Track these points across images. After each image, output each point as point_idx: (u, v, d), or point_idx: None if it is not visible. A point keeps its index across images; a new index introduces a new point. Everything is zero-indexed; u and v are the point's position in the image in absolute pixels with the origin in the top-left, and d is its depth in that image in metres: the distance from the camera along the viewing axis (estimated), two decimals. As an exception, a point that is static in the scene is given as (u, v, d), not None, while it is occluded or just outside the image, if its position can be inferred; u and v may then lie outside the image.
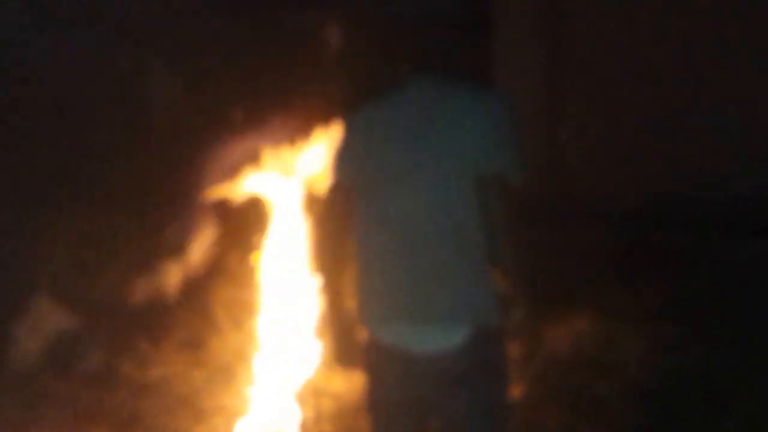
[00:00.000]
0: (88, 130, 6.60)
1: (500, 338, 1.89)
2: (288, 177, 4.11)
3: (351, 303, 1.99)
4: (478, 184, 1.81)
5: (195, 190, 4.89)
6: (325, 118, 3.08)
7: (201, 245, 4.84)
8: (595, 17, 6.15)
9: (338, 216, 1.95)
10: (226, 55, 6.28)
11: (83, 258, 4.85)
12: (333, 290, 1.99)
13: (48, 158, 6.14)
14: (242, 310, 3.85)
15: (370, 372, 1.97)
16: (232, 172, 3.95)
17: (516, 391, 2.82)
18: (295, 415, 3.38)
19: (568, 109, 6.26)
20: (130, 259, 4.90)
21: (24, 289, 4.17)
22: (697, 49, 5.88)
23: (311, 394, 3.51)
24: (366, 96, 1.98)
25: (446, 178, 1.81)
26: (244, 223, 3.92)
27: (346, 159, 1.94)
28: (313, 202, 4.55)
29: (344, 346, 2.02)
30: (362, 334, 1.96)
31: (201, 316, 4.02)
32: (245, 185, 3.92)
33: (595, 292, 4.13)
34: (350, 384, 3.59)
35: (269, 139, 4.10)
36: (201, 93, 6.04)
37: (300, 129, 4.28)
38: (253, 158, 4.06)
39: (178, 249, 5.20)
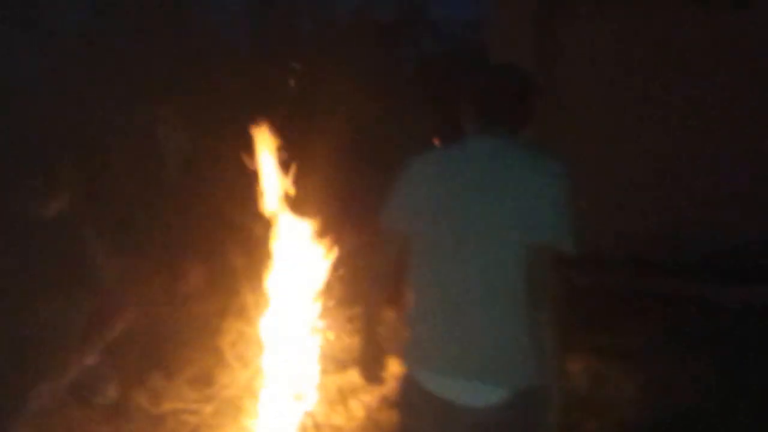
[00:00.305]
0: (109, 178, 6.90)
1: (539, 398, 1.89)
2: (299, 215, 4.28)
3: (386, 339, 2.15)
4: (533, 249, 1.83)
5: (208, 231, 5.10)
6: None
7: (212, 284, 5.04)
8: (589, 63, 6.29)
9: (389, 260, 2.04)
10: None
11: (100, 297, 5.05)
12: (372, 323, 2.15)
13: (68, 196, 6.41)
14: (250, 348, 4.00)
15: (407, 413, 2.06)
16: (245, 210, 4.11)
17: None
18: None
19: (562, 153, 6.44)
20: (144, 298, 5.10)
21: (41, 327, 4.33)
22: (692, 92, 6.05)
23: (313, 428, 3.64)
24: (432, 146, 2.10)
25: (503, 238, 1.83)
26: (254, 261, 4.08)
27: (404, 206, 1.97)
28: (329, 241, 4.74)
29: (373, 370, 2.20)
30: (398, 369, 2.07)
31: (211, 352, 4.16)
32: (258, 224, 4.07)
33: (587, 334, 4.19)
34: (351, 419, 3.75)
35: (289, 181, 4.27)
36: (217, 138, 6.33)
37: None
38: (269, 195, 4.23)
39: (190, 288, 5.41)
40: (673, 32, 6.12)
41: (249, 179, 4.22)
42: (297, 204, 4.37)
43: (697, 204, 5.83)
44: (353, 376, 3.89)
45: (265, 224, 4.18)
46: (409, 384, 2.01)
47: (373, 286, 2.15)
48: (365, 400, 3.78)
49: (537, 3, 6.54)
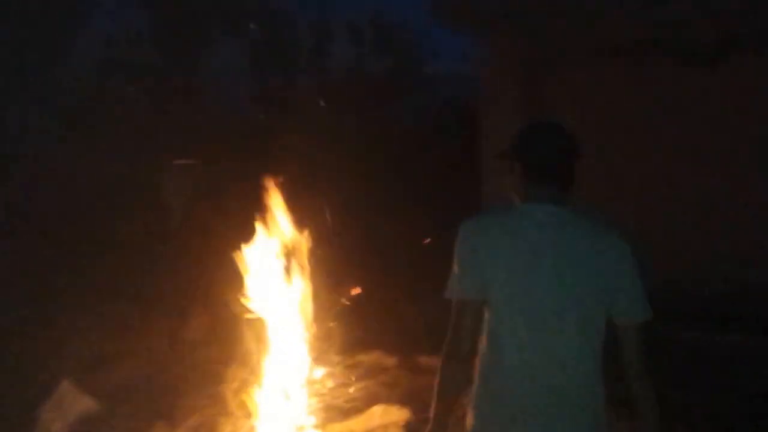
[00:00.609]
0: (110, 226, 7.03)
1: None
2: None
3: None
4: (609, 319, 1.92)
5: (211, 280, 5.17)
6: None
7: (215, 332, 5.10)
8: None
9: (469, 334, 1.92)
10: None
11: (105, 347, 5.13)
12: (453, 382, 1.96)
13: (73, 254, 6.53)
14: (253, 396, 4.05)
15: None
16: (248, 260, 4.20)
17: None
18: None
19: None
20: (150, 348, 5.17)
21: (50, 375, 4.40)
22: (677, 145, 6.18)
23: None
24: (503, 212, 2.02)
25: (584, 311, 1.89)
26: (258, 315, 4.16)
27: (477, 275, 1.92)
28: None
29: None
30: None
31: (214, 400, 4.20)
32: (262, 281, 4.16)
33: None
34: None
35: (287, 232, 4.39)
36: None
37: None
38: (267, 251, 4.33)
39: (193, 336, 5.48)
40: (655, 87, 6.31)
41: (251, 229, 4.32)
42: (299, 254, 4.48)
43: (680, 256, 5.94)
44: (355, 424, 3.94)
45: (268, 274, 4.28)
46: None
47: (451, 380, 1.96)
48: (366, 448, 3.80)
49: (522, 61, 6.73)
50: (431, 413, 2.01)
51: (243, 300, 4.16)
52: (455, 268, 1.97)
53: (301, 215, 4.55)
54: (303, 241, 4.46)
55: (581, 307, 1.90)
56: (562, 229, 1.93)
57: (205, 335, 5.43)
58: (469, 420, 2.01)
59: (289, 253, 4.41)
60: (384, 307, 6.00)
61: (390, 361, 5.03)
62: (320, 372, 4.66)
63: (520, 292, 1.90)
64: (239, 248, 4.16)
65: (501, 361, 1.92)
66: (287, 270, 4.37)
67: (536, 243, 1.91)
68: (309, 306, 4.48)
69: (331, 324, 4.77)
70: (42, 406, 4.08)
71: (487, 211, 2.08)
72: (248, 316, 4.13)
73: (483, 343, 1.97)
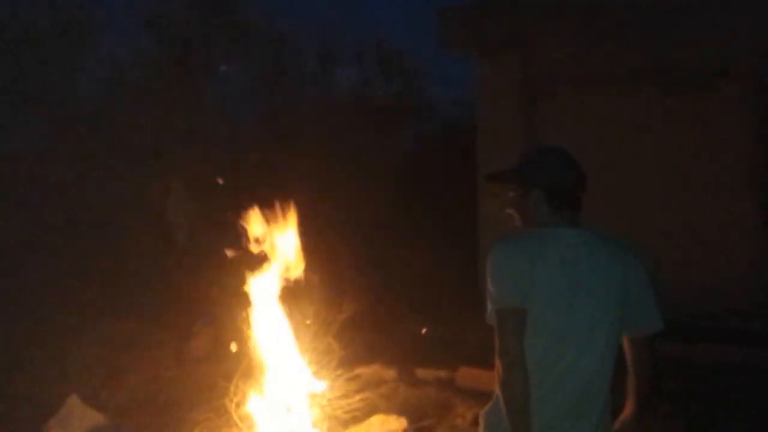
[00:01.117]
0: (116, 244, 7.17)
1: None
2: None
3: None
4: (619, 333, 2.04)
5: (215, 296, 5.29)
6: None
7: (219, 347, 5.20)
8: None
9: (518, 333, 1.96)
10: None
11: (111, 362, 5.24)
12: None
13: (79, 271, 6.67)
14: (256, 409, 4.14)
15: None
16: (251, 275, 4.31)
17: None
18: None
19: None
20: (156, 364, 5.28)
21: (57, 391, 4.50)
22: (666, 167, 6.37)
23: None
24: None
25: (612, 326, 2.01)
26: (260, 326, 4.26)
27: (518, 289, 1.97)
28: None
29: None
30: None
31: (219, 414, 4.30)
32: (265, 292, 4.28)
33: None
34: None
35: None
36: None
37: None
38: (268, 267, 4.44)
39: (198, 351, 5.59)
40: (643, 116, 6.52)
41: (254, 246, 4.43)
42: (301, 271, 4.59)
43: (666, 274, 6.07)
44: (355, 433, 4.03)
45: (270, 289, 4.39)
46: None
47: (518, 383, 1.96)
48: (367, 458, 3.89)
49: (520, 87, 6.94)
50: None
51: (245, 316, 4.26)
52: (495, 287, 2.02)
53: (303, 233, 4.65)
54: (305, 258, 4.56)
55: (609, 322, 2.02)
56: (588, 249, 2.04)
57: (209, 351, 5.54)
58: (484, 425, 2.10)
59: (291, 270, 4.51)
60: (384, 321, 6.12)
61: (389, 373, 5.12)
62: (321, 384, 4.76)
63: (557, 310, 1.99)
64: (242, 267, 4.26)
65: (531, 375, 1.97)
66: (289, 286, 4.47)
67: (569, 263, 2.01)
68: (310, 320, 4.60)
69: (332, 338, 4.87)
70: (49, 421, 4.20)
71: (515, 234, 2.10)
72: (250, 330, 4.22)
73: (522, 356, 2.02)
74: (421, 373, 5.06)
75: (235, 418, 4.19)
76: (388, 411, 4.29)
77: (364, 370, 5.06)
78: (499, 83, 7.01)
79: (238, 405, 4.25)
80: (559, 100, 6.82)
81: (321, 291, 4.89)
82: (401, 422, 4.12)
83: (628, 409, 2.18)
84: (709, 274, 6.08)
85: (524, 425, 1.94)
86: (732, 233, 6.15)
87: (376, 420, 4.14)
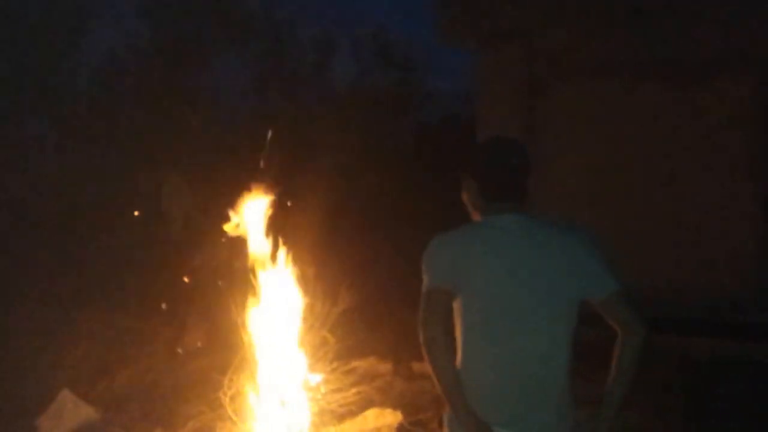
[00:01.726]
0: (110, 235, 7.13)
1: None
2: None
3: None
4: (583, 302, 2.02)
5: (209, 289, 5.26)
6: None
7: (212, 340, 5.18)
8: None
9: (441, 319, 1.99)
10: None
11: (105, 355, 5.21)
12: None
13: (73, 263, 6.63)
14: (250, 402, 4.11)
15: None
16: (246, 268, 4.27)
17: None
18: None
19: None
20: (150, 357, 5.24)
21: (49, 385, 4.47)
22: (665, 160, 6.29)
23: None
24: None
25: (557, 303, 2.00)
26: (254, 319, 4.22)
27: (450, 275, 2.01)
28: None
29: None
30: None
31: (212, 407, 4.27)
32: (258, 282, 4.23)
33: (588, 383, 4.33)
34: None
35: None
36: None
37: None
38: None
39: (191, 344, 5.56)
40: (644, 107, 6.46)
41: (249, 239, 4.39)
42: (296, 263, 4.55)
43: (664, 267, 6.09)
44: (349, 427, 4.01)
45: (265, 282, 4.35)
46: None
47: (442, 361, 2.00)
48: (362, 452, 3.87)
49: (519, 78, 6.89)
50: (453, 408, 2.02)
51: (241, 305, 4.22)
52: (424, 275, 2.05)
53: (299, 227, 4.62)
54: (299, 250, 4.52)
55: (552, 302, 2.01)
56: (526, 232, 2.05)
57: (203, 343, 5.51)
58: (446, 424, 2.10)
59: (286, 263, 4.47)
60: (379, 314, 6.09)
61: (384, 367, 5.10)
62: (316, 378, 4.72)
63: (494, 295, 2.00)
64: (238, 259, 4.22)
65: (477, 360, 2.01)
66: (284, 278, 4.43)
67: (504, 247, 2.03)
68: (306, 313, 4.55)
69: (327, 331, 4.83)
70: (42, 414, 4.17)
71: (453, 229, 2.11)
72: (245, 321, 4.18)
73: (460, 344, 2.06)
74: (417, 366, 5.03)
75: (229, 411, 4.17)
76: (383, 405, 4.27)
77: (359, 364, 5.04)
78: (499, 74, 6.96)
79: (232, 398, 4.22)
80: (560, 92, 6.77)
81: (316, 284, 4.85)
82: (396, 416, 4.10)
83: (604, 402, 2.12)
84: (709, 268, 6.05)
85: (456, 400, 1.98)
86: (732, 226, 6.12)
87: (372, 414, 4.12)
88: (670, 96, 6.42)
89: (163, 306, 5.99)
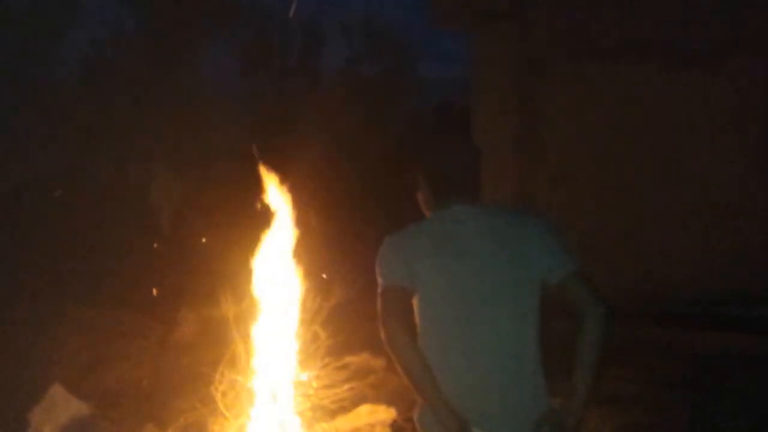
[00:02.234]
0: (99, 230, 7.07)
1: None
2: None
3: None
4: (544, 287, 2.00)
5: (200, 282, 5.23)
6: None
7: (204, 335, 5.15)
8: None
9: (400, 317, 1.97)
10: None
11: (96, 351, 5.18)
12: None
13: (63, 258, 6.57)
14: (241, 397, 4.10)
15: None
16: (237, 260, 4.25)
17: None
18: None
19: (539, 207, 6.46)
20: (141, 352, 5.21)
21: (40, 380, 4.44)
22: (665, 147, 6.25)
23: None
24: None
25: (517, 292, 1.98)
26: (246, 312, 4.21)
27: (407, 271, 1.99)
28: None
29: None
30: None
31: (203, 402, 4.25)
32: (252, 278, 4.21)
33: (568, 380, 4.34)
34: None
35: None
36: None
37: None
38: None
39: (182, 339, 5.53)
40: (648, 91, 6.33)
41: (240, 231, 4.37)
42: (288, 256, 4.52)
43: (672, 258, 6.00)
44: (341, 423, 4.01)
45: (257, 274, 4.32)
46: None
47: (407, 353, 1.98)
48: (354, 448, 3.87)
49: (514, 61, 6.72)
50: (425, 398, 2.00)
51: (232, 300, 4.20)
52: (378, 276, 2.05)
53: (291, 216, 4.58)
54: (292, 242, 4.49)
55: (509, 292, 1.99)
56: (478, 222, 2.04)
57: (194, 338, 5.48)
58: (418, 425, 2.09)
59: (278, 255, 4.45)
60: (373, 309, 6.06)
61: (378, 362, 5.08)
62: (308, 373, 4.71)
63: (448, 288, 1.99)
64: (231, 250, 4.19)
65: (439, 357, 1.98)
66: (276, 272, 4.41)
67: (456, 239, 2.01)
68: (298, 308, 4.53)
69: (319, 326, 4.82)
70: (32, 410, 4.13)
71: (405, 227, 2.11)
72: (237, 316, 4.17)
73: (421, 342, 2.02)
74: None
75: (221, 406, 4.15)
76: (376, 401, 4.26)
77: (352, 359, 5.01)
78: (494, 55, 6.78)
79: (223, 394, 4.20)
80: (559, 74, 6.61)
81: (308, 278, 4.82)
82: (390, 412, 4.10)
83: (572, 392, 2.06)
84: (715, 260, 5.96)
85: (431, 393, 1.94)
86: (739, 216, 6.00)
87: (365, 410, 4.12)
88: (675, 79, 6.22)
89: (154, 292, 5.94)
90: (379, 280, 2.05)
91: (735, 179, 6.08)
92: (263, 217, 4.44)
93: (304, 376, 4.63)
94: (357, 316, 5.64)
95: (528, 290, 2.01)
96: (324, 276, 4.78)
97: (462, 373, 1.98)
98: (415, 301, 2.03)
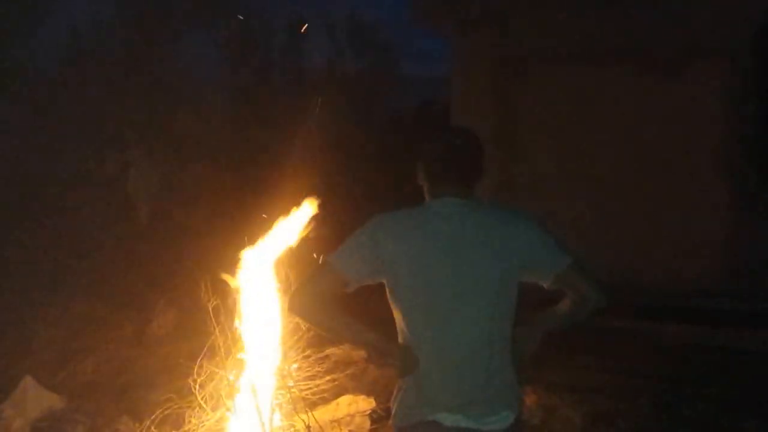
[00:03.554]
0: (76, 221, 6.96)
1: (522, 418, 2.12)
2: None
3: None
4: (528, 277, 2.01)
5: (178, 274, 5.16)
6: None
7: (181, 326, 5.08)
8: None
9: (322, 299, 1.99)
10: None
11: (71, 343, 5.08)
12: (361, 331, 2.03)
13: (38, 249, 6.45)
14: (219, 389, 4.04)
15: None
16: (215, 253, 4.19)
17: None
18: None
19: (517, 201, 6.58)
20: (116, 344, 5.13)
21: (11, 372, 4.35)
22: (635, 147, 6.42)
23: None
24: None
25: (494, 286, 1.98)
26: (224, 304, 4.15)
27: (374, 261, 1.99)
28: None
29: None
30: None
31: (181, 394, 4.19)
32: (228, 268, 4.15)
33: (541, 371, 4.32)
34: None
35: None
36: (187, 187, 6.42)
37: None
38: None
39: (160, 331, 5.45)
40: (617, 93, 6.52)
41: (219, 222, 4.32)
42: (268, 248, 4.47)
43: (636, 253, 6.16)
44: (322, 414, 3.97)
45: (235, 268, 4.27)
46: (418, 427, 2.03)
47: (319, 311, 2.02)
48: (333, 438, 3.84)
49: (494, 62, 6.90)
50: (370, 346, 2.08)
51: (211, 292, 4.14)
52: (347, 246, 2.03)
53: (273, 211, 4.54)
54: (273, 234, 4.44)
55: (486, 290, 1.98)
56: (464, 218, 2.01)
57: (171, 330, 5.41)
58: (394, 409, 2.10)
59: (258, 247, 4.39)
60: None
61: (358, 354, 5.05)
62: (288, 365, 4.66)
63: (424, 283, 1.98)
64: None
65: (416, 350, 2.00)
66: (257, 264, 4.35)
67: (438, 234, 1.99)
68: (278, 300, 4.47)
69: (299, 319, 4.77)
70: (3, 403, 4.04)
71: (398, 209, 2.09)
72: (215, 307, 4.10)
73: (400, 336, 2.05)
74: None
75: (199, 398, 4.09)
76: (356, 392, 4.22)
77: (333, 351, 4.97)
78: (474, 58, 7.01)
79: (201, 385, 4.14)
80: (534, 76, 6.85)
81: (291, 271, 4.77)
82: (369, 402, 4.07)
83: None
84: (678, 254, 6.15)
85: (363, 334, 2.03)
86: (703, 212, 6.22)
87: (344, 400, 4.08)
88: (642, 82, 6.51)
89: (131, 283, 5.84)
90: (331, 256, 2.02)
91: (697, 176, 6.33)
92: (243, 208, 4.40)
93: (285, 368, 4.59)
94: (338, 309, 5.61)
95: (506, 293, 2.01)
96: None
97: (437, 365, 1.99)
98: (387, 288, 2.03)
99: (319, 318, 2.04)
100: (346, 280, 2.00)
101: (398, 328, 2.06)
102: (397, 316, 2.05)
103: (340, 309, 2.02)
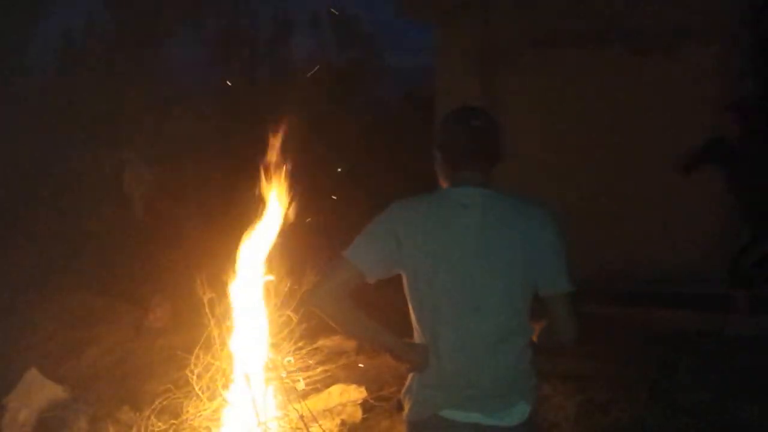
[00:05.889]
0: (73, 216, 7.06)
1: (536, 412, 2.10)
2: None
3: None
4: (535, 288, 1.98)
5: (175, 267, 5.26)
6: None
7: (179, 318, 5.20)
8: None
9: (338, 293, 1.96)
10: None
11: (71, 335, 5.21)
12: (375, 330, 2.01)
13: (36, 244, 6.56)
14: (217, 379, 4.18)
15: None
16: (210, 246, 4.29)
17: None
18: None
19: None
20: (115, 336, 5.26)
21: (16, 364, 4.48)
22: (626, 133, 6.37)
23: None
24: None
25: (512, 284, 1.96)
26: (220, 296, 4.28)
27: (391, 252, 1.95)
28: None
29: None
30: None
31: (179, 385, 4.32)
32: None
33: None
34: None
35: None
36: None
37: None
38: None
39: (157, 323, 5.58)
40: (605, 77, 6.44)
41: (214, 217, 4.41)
42: (263, 241, 4.58)
43: (628, 239, 6.16)
44: (314, 403, 4.11)
45: (231, 261, 4.38)
46: (432, 421, 2.01)
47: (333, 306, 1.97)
48: (327, 427, 3.97)
49: (477, 50, 6.81)
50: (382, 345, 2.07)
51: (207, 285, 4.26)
52: (363, 238, 2.00)
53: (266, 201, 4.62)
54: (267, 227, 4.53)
55: (505, 282, 1.96)
56: (483, 209, 1.97)
57: (168, 322, 5.54)
58: (407, 403, 2.09)
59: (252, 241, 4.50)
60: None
61: (350, 345, 5.19)
62: (282, 356, 4.80)
63: (444, 277, 1.95)
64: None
65: (432, 344, 1.99)
66: (251, 256, 4.46)
67: (457, 224, 1.96)
68: (272, 291, 4.60)
69: (292, 310, 4.90)
70: (8, 394, 4.18)
71: (416, 196, 2.06)
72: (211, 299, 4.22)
73: (415, 328, 2.05)
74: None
75: (196, 389, 4.21)
76: (348, 382, 4.35)
77: (325, 342, 5.11)
78: (457, 46, 6.85)
79: (198, 376, 4.27)
80: (520, 63, 6.68)
81: (282, 262, 4.89)
82: (361, 392, 4.20)
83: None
84: (669, 240, 6.11)
85: (380, 335, 2.00)
86: (693, 198, 6.10)
87: (336, 390, 4.21)
88: (632, 66, 6.35)
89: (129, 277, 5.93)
90: (348, 251, 1.99)
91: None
92: (237, 203, 4.48)
93: (278, 359, 4.72)
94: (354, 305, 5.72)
95: (521, 288, 2.00)
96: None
97: (450, 361, 1.97)
98: (404, 278, 2.01)
99: (335, 315, 1.98)
100: (362, 274, 1.96)
101: (414, 320, 2.04)
102: (415, 308, 2.03)
103: (356, 306, 1.98)
